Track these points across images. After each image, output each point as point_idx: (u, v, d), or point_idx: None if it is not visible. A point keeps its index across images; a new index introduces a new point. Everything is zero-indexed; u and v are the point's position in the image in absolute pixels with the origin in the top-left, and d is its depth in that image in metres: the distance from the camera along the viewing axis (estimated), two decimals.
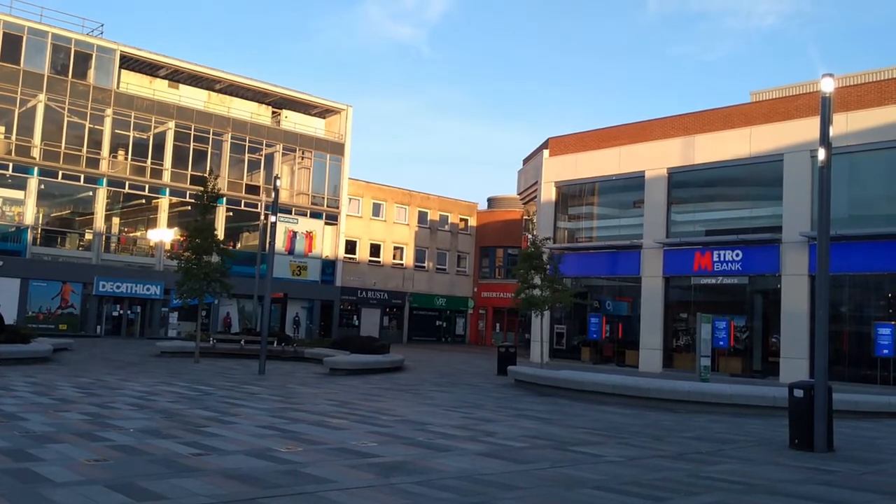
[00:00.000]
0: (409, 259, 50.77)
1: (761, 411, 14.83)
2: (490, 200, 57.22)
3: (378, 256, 49.24)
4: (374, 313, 48.51)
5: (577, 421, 13.19)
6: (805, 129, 25.32)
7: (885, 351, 23.45)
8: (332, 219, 45.39)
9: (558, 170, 34.10)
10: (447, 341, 52.69)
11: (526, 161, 39.33)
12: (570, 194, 35.00)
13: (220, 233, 36.97)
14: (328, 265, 45.14)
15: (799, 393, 10.69)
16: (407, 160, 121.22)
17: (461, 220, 54.46)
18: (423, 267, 51.82)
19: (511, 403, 15.88)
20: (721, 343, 26.97)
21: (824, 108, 11.21)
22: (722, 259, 27.74)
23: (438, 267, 52.61)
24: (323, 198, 45.28)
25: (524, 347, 37.50)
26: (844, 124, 24.29)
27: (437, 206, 52.83)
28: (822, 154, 11.12)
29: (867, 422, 14.62)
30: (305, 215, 44.12)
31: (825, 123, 11.17)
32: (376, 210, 49.39)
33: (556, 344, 33.27)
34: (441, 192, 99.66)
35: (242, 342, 28.25)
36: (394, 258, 50.37)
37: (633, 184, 31.63)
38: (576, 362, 30.98)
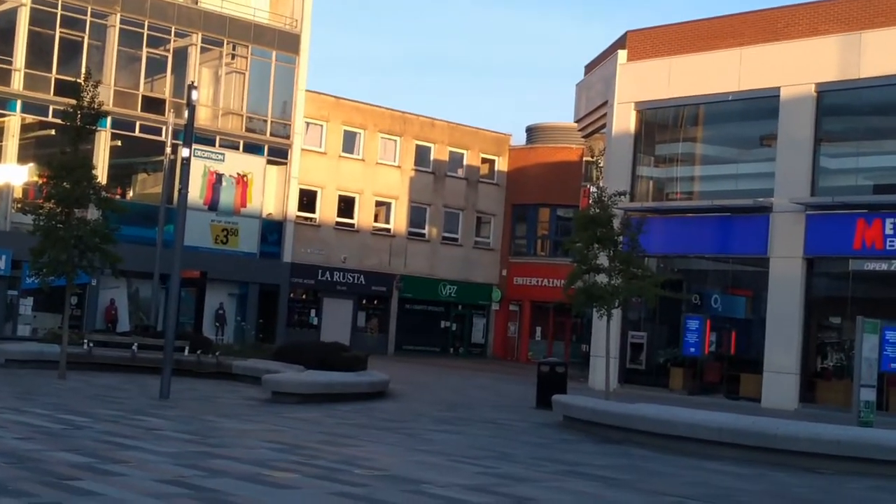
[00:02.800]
0: (399, 222, 50.84)
1: None
2: (530, 131, 57.07)
3: (351, 217, 49.33)
4: (343, 307, 48.68)
5: (660, 484, 13.17)
6: None
7: None
8: (280, 155, 45.36)
9: (641, 84, 33.91)
10: (459, 353, 52.86)
11: (589, 70, 39.09)
12: (659, 124, 34.72)
13: (102, 173, 36.97)
14: (272, 229, 45.22)
15: None
16: (401, 66, 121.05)
17: (484, 161, 54.31)
18: (423, 235, 51.89)
19: (557, 454, 15.84)
20: (894, 366, 26.84)
21: None
22: None
23: (446, 236, 52.61)
24: (265, 121, 45.20)
25: (580, 366, 37.49)
26: None
27: (445, 137, 52.73)
28: None
29: None
30: (237, 149, 44.13)
31: None
32: (349, 143, 49.36)
33: (631, 362, 33.30)
34: (453, 116, 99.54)
35: (135, 347, 28.35)
36: (376, 220, 50.44)
37: (761, 108, 31.40)
38: (662, 391, 31.03)
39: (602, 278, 25.29)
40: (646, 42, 34.21)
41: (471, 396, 27.30)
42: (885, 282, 29.36)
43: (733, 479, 13.99)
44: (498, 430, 19.08)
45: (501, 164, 54.60)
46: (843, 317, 29.43)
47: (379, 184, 50.07)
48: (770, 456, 15.87)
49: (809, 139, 29.88)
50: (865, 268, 28.93)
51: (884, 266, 28.47)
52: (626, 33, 34.97)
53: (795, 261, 29.66)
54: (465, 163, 53.37)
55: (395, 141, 50.84)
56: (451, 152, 52.79)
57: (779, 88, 30.40)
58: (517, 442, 17.26)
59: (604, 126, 36.31)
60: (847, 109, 30.75)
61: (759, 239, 30.45)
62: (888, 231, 27.83)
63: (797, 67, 29.98)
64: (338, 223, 48.77)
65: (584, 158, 45.45)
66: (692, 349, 31.82)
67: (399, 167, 50.83)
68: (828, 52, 29.54)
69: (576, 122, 41.21)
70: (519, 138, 57.00)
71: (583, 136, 42.52)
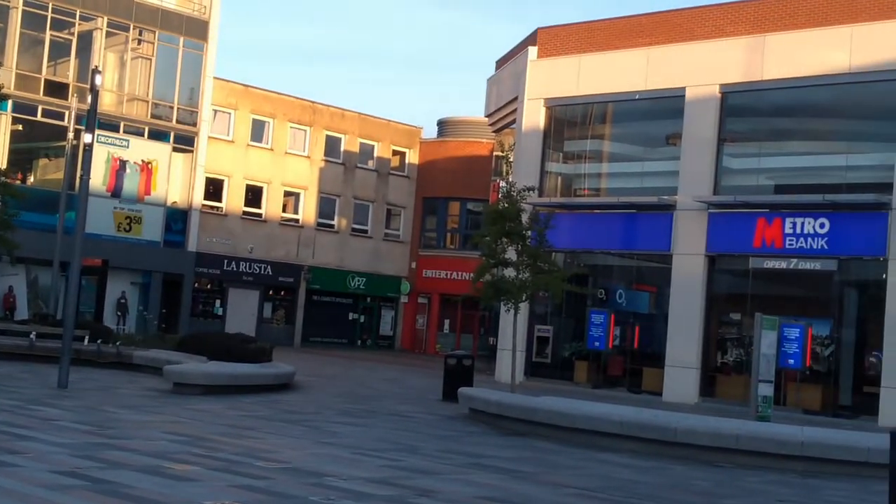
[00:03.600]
0: (308, 213, 50.58)
1: (848, 468, 15.20)
2: (442, 125, 57.23)
3: (259, 206, 48.94)
4: (249, 297, 48.31)
5: (563, 476, 13.29)
6: None
7: None
8: (186, 143, 44.80)
9: (550, 81, 34.17)
10: (367, 345, 52.85)
11: (500, 65, 39.27)
12: (569, 121, 35.05)
13: (2, 158, 36.16)
14: (176, 217, 44.67)
15: None
16: (312, 56, 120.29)
17: (395, 153, 54.31)
18: (332, 227, 51.69)
19: (462, 446, 15.92)
20: (791, 362, 27.51)
21: None
22: (798, 231, 28.28)
23: (356, 227, 52.51)
24: (171, 108, 44.56)
25: (487, 359, 37.69)
26: None
27: (356, 129, 52.58)
28: None
29: None
30: (142, 135, 43.48)
31: None
32: (258, 132, 48.93)
33: (537, 355, 33.59)
34: (365, 108, 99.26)
35: (33, 336, 27.81)
36: (284, 210, 50.12)
37: (667, 108, 31.88)
38: (567, 384, 31.37)
39: (510, 272, 25.44)
40: (556, 39, 34.46)
41: (377, 389, 27.27)
42: (784, 280, 30.06)
43: (634, 472, 14.17)
44: (404, 422, 19.10)
45: (412, 157, 54.63)
46: (742, 313, 30.04)
47: (288, 174, 49.69)
48: (671, 449, 16.12)
49: (713, 139, 30.40)
50: (765, 266, 29.55)
51: (783, 264, 29.11)
52: (536, 30, 35.18)
53: (698, 258, 30.17)
54: (375, 154, 53.24)
55: (305, 131, 50.50)
56: (361, 144, 52.62)
57: (684, 88, 30.87)
58: (422, 435, 17.27)
59: (514, 121, 36.53)
60: (750, 110, 31.38)
61: (663, 236, 30.92)
62: (788, 230, 28.46)
63: (702, 68, 30.46)
64: (245, 213, 48.30)
65: (495, 153, 45.67)
66: (597, 343, 32.22)
67: (308, 157, 50.51)
68: (732, 54, 30.06)
69: (486, 116, 41.39)
70: (430, 131, 57.21)
71: (493, 131, 42.73)
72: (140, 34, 43.76)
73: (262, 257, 48.42)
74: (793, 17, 29.26)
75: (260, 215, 48.89)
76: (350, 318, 52.90)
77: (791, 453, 15.54)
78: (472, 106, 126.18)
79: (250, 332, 38.18)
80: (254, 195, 48.69)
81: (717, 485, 13.68)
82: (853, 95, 28.76)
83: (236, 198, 47.95)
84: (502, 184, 29.18)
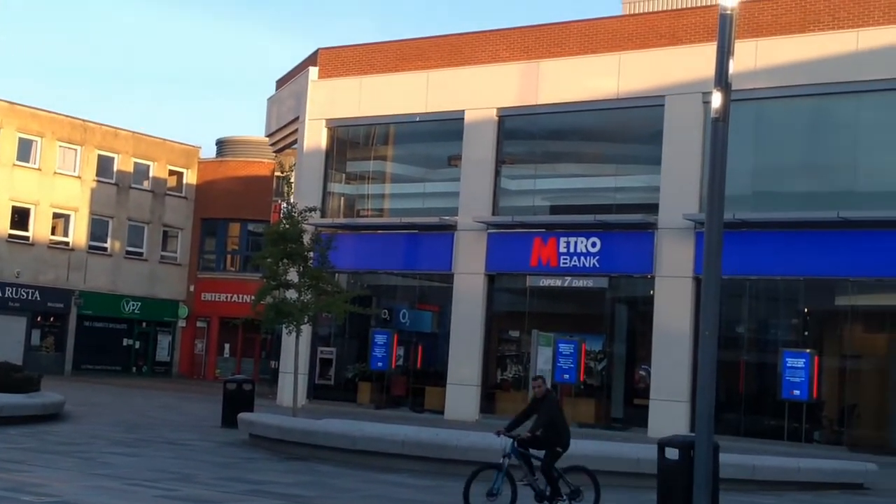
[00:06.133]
0: (79, 235, 48.87)
1: (621, 479, 15.80)
2: (221, 144, 56.49)
3: (25, 229, 47.03)
4: (15, 324, 46.24)
5: (344, 499, 13.33)
6: (697, 61, 27.24)
7: (796, 392, 25.80)
8: None
9: (332, 101, 34.20)
10: (143, 372, 51.41)
11: (281, 85, 39.02)
12: (351, 142, 35.12)
13: None
14: None
15: (672, 453, 11.45)
16: (83, 72, 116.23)
17: (172, 173, 53.11)
18: (104, 249, 50.07)
19: (242, 473, 15.78)
20: (567, 377, 28.43)
21: (724, 31, 12.02)
22: (572, 250, 29.23)
23: (130, 250, 51.02)
24: None
25: (270, 383, 37.25)
26: (752, 57, 26.49)
27: (130, 148, 51.16)
28: (717, 99, 11.94)
29: (767, 495, 16.04)
30: None
31: (724, 53, 12.00)
32: (25, 151, 47.00)
33: (320, 377, 33.41)
34: (139, 126, 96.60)
35: None
36: (53, 233, 48.30)
37: (447, 130, 32.41)
38: (350, 406, 31.30)
39: (292, 294, 25.28)
40: (337, 60, 34.51)
41: (153, 417, 26.58)
42: (560, 297, 31.00)
43: (414, 492, 14.32)
44: (181, 450, 18.76)
45: (190, 177, 53.57)
46: (521, 330, 30.79)
47: (57, 195, 47.83)
48: (452, 467, 16.30)
49: (491, 161, 31.07)
50: (541, 284, 30.37)
51: (558, 282, 30.00)
52: (317, 50, 35.12)
53: (478, 277, 30.74)
54: (151, 175, 51.91)
55: (76, 150, 48.74)
56: (136, 163, 51.22)
57: (463, 111, 31.43)
58: (201, 462, 16.95)
59: (295, 141, 36.34)
60: (526, 133, 32.23)
61: (444, 256, 31.34)
62: (562, 249, 29.36)
63: (480, 92, 31.12)
64: (11, 235, 46.20)
65: (276, 173, 45.30)
66: (380, 363, 32.34)
67: (79, 178, 48.77)
68: (508, 79, 30.85)
69: (267, 136, 41.00)
70: (210, 151, 56.25)
71: (274, 151, 42.36)
72: None
73: (29, 282, 46.49)
74: (563, 44, 30.31)
75: (27, 238, 46.88)
76: (125, 344, 51.31)
77: (567, 466, 15.99)
78: (252, 126, 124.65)
79: (17, 361, 36.43)
80: (20, 217, 46.66)
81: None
82: (621, 120, 29.98)
83: (1, 220, 45.83)
84: (283, 205, 28.99)
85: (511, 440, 12.82)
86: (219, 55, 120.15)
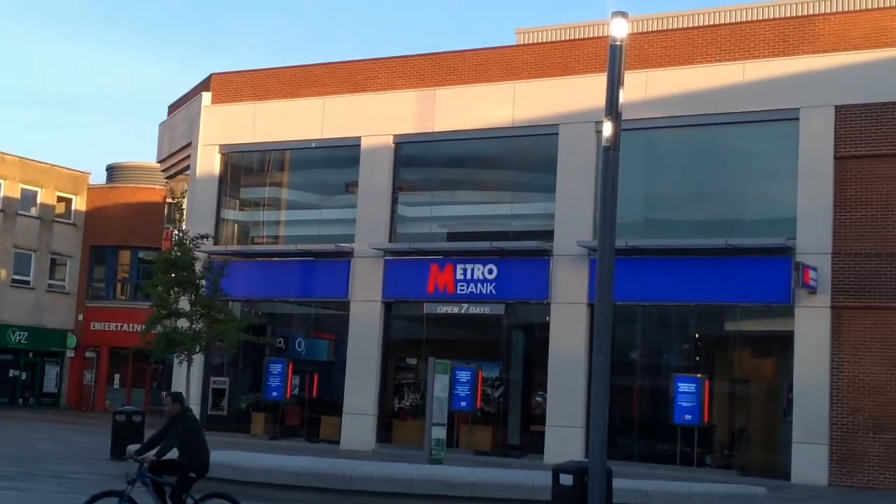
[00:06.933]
0: None
1: None
2: (111, 170, 55.62)
3: None
4: None
5: None
6: (589, 91, 27.64)
7: (688, 417, 26.26)
8: None
9: (225, 127, 33.87)
10: (29, 404, 50.01)
11: (173, 110, 38.54)
12: (245, 168, 34.81)
13: None
14: None
15: (567, 479, 11.54)
16: None
17: (60, 199, 51.94)
18: None
19: None
20: (463, 405, 28.45)
21: (614, 62, 12.29)
22: (469, 277, 29.36)
23: (16, 278, 49.70)
24: None
25: (161, 414, 36.55)
26: (643, 87, 27.01)
27: (17, 173, 49.92)
28: (608, 128, 12.17)
29: None
30: None
31: (614, 84, 12.25)
32: None
33: (213, 408, 32.90)
34: (25, 151, 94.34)
35: None
36: None
37: (344, 156, 32.41)
38: (244, 437, 30.83)
39: (183, 323, 24.94)
40: (231, 85, 34.22)
41: (39, 449, 25.80)
42: (457, 324, 31.07)
43: None
44: (68, 483, 18.28)
45: (79, 204, 52.40)
46: (418, 358, 30.73)
47: None
48: (348, 497, 16.23)
49: (388, 188, 31.11)
50: (438, 311, 30.44)
51: (455, 309, 30.09)
52: (210, 75, 34.78)
53: (374, 304, 30.66)
54: (38, 201, 50.65)
55: None
56: (23, 189, 49.93)
57: (360, 138, 31.44)
58: (87, 496, 16.46)
59: (188, 167, 35.85)
60: (422, 160, 32.38)
61: (340, 283, 31.19)
62: (459, 276, 29.47)
63: (376, 119, 31.14)
64: None
65: (168, 200, 44.64)
66: (274, 393, 32.00)
67: None
68: (405, 106, 30.93)
69: (159, 162, 40.44)
70: (99, 177, 55.17)
71: (166, 177, 41.77)
72: None
73: None
74: (459, 72, 30.54)
75: None
76: (10, 375, 49.84)
77: (462, 494, 15.99)
78: (143, 151, 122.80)
79: None
80: None
81: None
82: (516, 147, 30.24)
83: None
84: (175, 231, 28.57)
85: (138, 464, 12.10)
86: (110, 79, 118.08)
